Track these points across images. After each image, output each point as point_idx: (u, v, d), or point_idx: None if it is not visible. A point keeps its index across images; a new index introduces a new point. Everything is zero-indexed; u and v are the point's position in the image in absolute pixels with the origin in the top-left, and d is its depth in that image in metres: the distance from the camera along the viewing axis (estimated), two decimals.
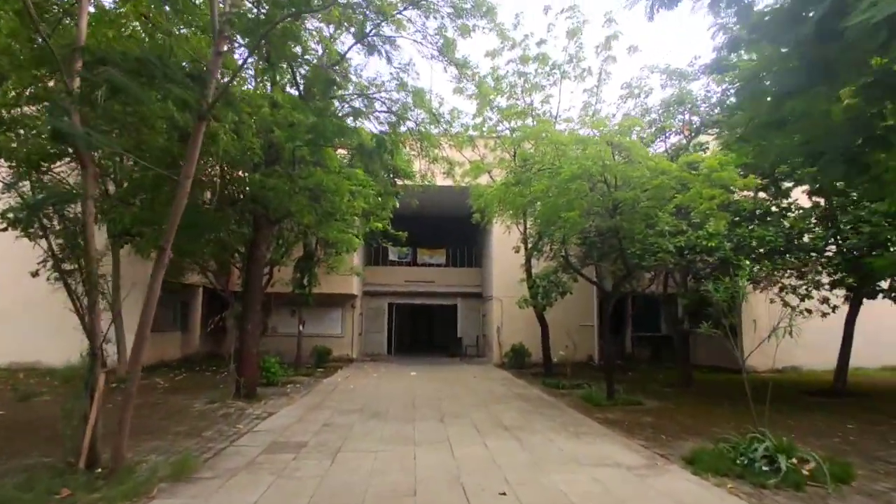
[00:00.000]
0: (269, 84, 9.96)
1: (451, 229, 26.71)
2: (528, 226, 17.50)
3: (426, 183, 13.42)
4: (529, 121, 16.63)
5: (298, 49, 8.58)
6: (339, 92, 8.09)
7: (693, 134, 13.55)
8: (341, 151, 11.60)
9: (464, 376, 16.48)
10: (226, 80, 5.84)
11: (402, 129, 10.68)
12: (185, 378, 14.50)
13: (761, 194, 12.25)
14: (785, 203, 12.04)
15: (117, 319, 13.61)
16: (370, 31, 9.52)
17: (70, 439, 5.85)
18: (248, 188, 9.05)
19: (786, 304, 14.37)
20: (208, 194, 9.86)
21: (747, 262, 10.39)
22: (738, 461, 6.31)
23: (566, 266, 14.35)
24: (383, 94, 9.79)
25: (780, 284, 13.12)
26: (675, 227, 10.51)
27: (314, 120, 7.02)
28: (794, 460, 6.19)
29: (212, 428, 8.18)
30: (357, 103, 10.09)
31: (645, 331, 23.01)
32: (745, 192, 11.60)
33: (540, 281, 15.59)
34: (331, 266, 16.45)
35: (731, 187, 8.65)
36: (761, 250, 10.52)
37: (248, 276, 11.20)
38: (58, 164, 11.19)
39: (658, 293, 15.49)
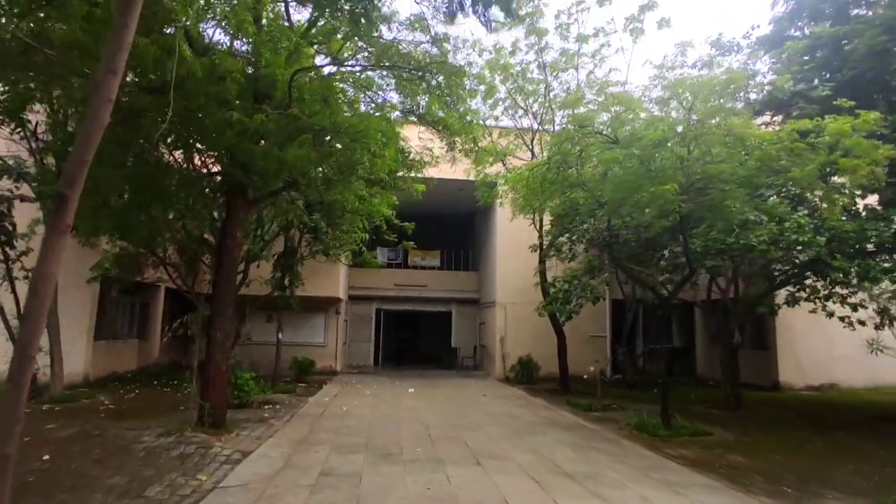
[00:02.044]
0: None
1: (446, 230, 24.48)
2: (543, 222, 15.43)
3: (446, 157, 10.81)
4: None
5: None
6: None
7: (753, 114, 11.61)
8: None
9: (471, 394, 14.19)
10: None
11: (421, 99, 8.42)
12: (139, 396, 11.89)
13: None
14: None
15: (51, 324, 10.99)
16: None
17: None
18: (220, 146, 6.57)
19: (830, 315, 12.65)
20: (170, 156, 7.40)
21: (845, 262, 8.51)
22: None
23: (611, 264, 12.16)
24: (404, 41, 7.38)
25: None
26: (758, 217, 8.47)
27: None
28: None
29: (161, 480, 5.74)
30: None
31: (650, 343, 20.99)
32: None
33: (561, 284, 13.43)
34: (340, 247, 13.78)
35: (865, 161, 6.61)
36: (866, 247, 8.52)
37: (218, 272, 8.75)
38: None
39: (698, 301, 13.47)
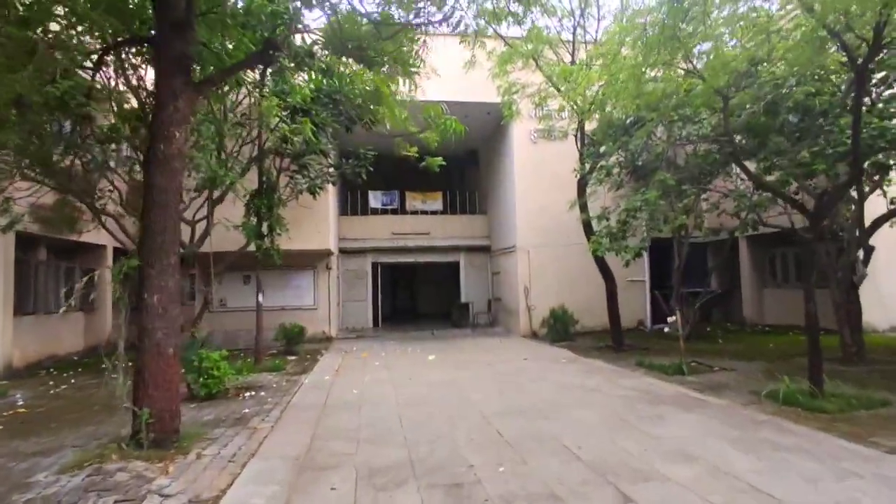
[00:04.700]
0: None
1: (447, 168, 21.13)
2: (585, 139, 12.24)
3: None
4: None
5: None
6: None
7: None
8: None
9: (507, 359, 11.26)
10: None
11: None
12: (71, 389, 8.74)
13: None
14: None
15: None
16: None
17: None
18: None
19: None
20: None
21: None
22: None
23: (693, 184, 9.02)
24: None
25: None
26: None
27: None
28: None
29: None
30: None
31: (687, 286, 18.13)
32: None
33: (621, 215, 10.33)
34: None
35: None
36: None
37: (147, 196, 5.40)
38: None
39: (800, 231, 10.51)
